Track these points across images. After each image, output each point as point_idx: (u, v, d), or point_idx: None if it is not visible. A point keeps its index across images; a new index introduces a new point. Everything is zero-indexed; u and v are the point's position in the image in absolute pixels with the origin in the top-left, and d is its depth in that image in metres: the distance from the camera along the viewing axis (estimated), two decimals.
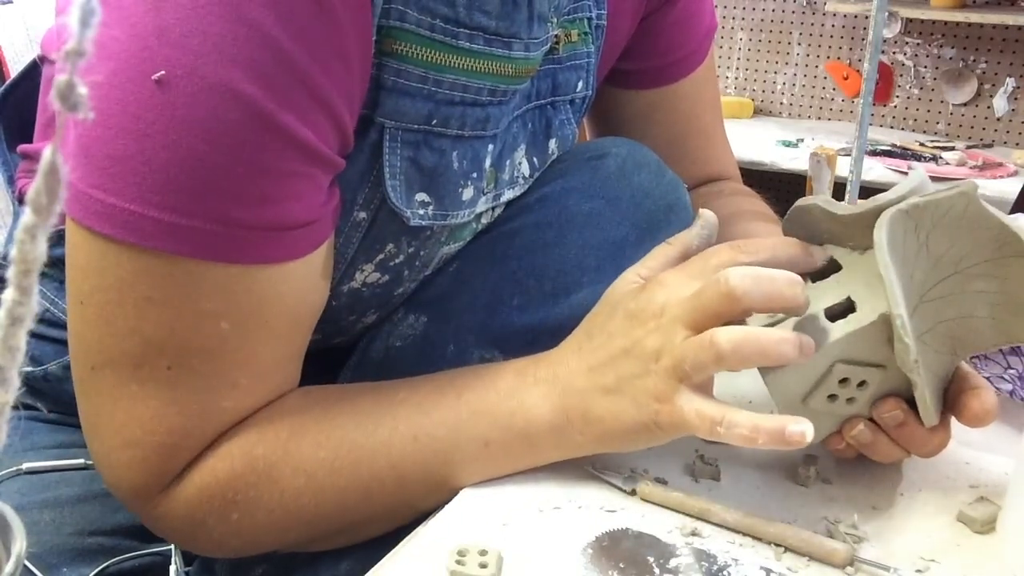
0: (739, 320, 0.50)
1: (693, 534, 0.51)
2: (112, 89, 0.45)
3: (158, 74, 0.45)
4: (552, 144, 0.68)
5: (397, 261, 0.61)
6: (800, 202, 0.56)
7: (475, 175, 0.60)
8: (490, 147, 0.60)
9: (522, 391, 0.54)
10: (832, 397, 0.53)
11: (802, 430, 0.45)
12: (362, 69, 0.51)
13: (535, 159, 0.67)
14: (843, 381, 0.52)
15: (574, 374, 0.53)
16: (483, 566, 0.47)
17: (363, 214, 0.57)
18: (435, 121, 0.56)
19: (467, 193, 0.60)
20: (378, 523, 0.55)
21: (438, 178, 0.58)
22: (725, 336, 0.47)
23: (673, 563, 0.49)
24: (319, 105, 0.48)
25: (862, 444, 0.54)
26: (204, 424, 0.52)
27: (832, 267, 0.55)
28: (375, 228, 0.58)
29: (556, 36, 0.65)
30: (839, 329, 0.51)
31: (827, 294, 0.54)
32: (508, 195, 0.64)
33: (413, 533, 0.52)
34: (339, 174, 0.53)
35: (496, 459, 0.54)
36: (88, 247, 0.49)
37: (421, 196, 0.58)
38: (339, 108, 0.50)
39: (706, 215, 0.56)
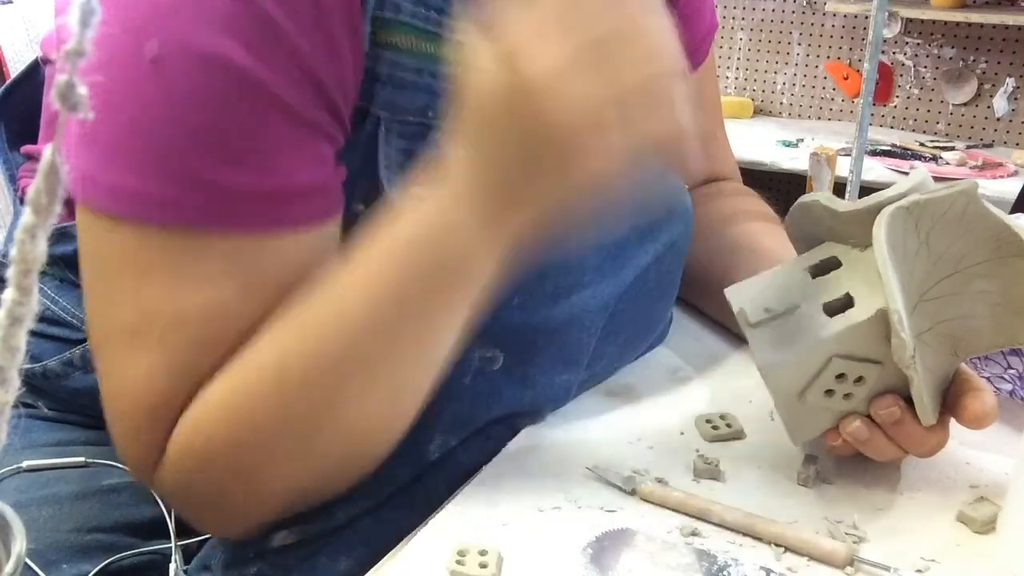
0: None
1: (693, 534, 0.51)
2: (108, 69, 0.46)
3: (151, 50, 0.45)
4: None
5: None
6: (802, 199, 0.57)
7: None
8: None
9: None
10: (829, 392, 0.53)
11: None
12: (353, 56, 0.51)
13: None
14: (840, 376, 0.52)
15: (477, 191, 0.47)
16: (483, 566, 0.47)
17: (361, 206, 0.57)
18: (431, 113, 0.56)
19: None
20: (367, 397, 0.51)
21: None
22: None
23: (673, 563, 0.49)
24: (309, 79, 0.49)
25: (859, 441, 0.54)
26: (191, 385, 0.50)
27: (832, 264, 0.55)
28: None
29: None
30: (836, 323, 0.52)
31: (826, 290, 0.54)
32: None
33: (413, 533, 0.52)
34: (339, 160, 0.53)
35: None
36: (94, 228, 0.49)
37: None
38: (330, 89, 0.50)
39: None
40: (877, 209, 0.50)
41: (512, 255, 0.49)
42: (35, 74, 0.77)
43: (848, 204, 0.53)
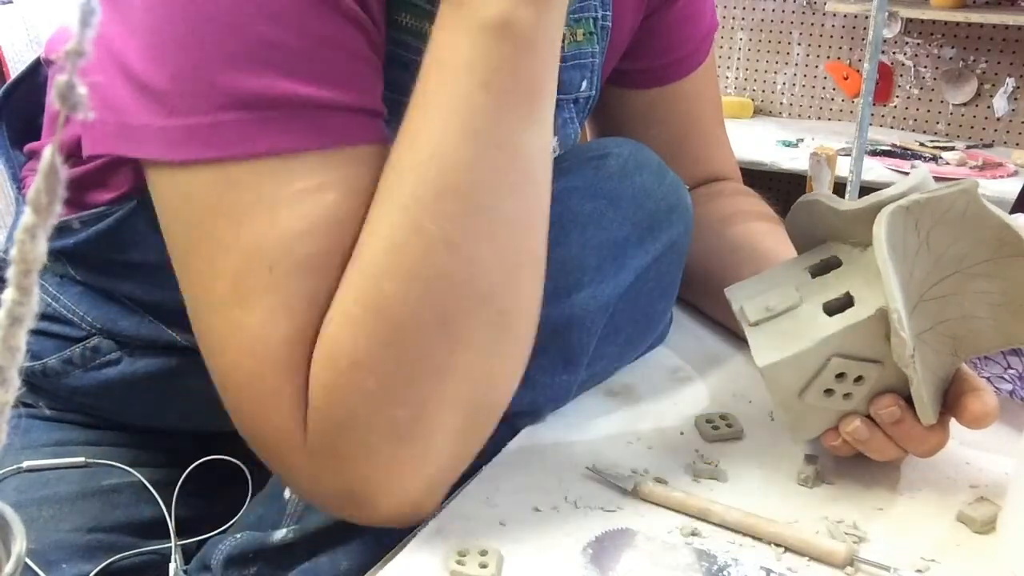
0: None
1: (693, 534, 0.51)
2: (156, 10, 0.45)
3: None
4: (553, 142, 0.68)
5: None
6: (803, 198, 0.57)
7: None
8: None
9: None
10: (829, 392, 0.53)
11: None
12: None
13: None
14: (840, 376, 0.52)
15: None
16: (483, 566, 0.47)
17: None
18: None
19: None
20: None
21: None
22: None
23: (673, 563, 0.49)
24: (372, 22, 0.49)
25: (858, 441, 0.54)
26: (314, 316, 0.46)
27: (833, 263, 0.55)
28: None
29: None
30: (836, 322, 0.52)
31: (826, 289, 0.54)
32: None
33: (413, 533, 0.52)
34: None
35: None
36: (174, 187, 0.47)
37: None
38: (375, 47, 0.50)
39: None
40: (878, 208, 0.50)
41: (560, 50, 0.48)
42: (36, 74, 0.77)
43: (850, 203, 0.54)
